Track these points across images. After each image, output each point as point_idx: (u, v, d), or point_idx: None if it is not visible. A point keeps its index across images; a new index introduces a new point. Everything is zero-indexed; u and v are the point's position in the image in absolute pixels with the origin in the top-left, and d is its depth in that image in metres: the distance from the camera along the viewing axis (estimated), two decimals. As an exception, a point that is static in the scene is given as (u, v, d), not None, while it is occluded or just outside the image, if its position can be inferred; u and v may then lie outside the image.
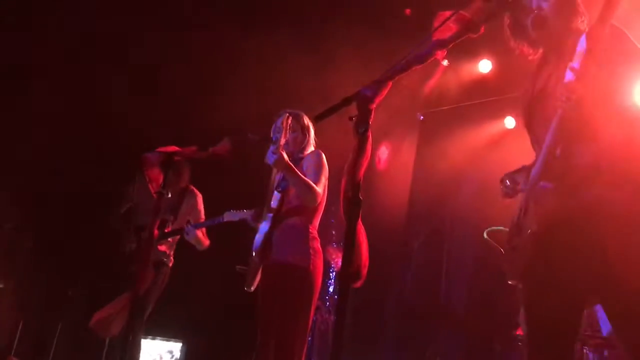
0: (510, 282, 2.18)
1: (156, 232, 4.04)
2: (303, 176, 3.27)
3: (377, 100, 1.80)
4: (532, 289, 2.09)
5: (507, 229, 2.30)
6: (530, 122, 2.23)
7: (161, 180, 3.29)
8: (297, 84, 5.05)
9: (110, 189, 5.05)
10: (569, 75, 1.99)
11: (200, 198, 4.81)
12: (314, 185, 3.26)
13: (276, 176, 3.53)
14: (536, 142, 2.19)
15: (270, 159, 3.19)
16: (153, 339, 5.61)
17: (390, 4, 5.42)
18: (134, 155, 3.34)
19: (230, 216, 4.10)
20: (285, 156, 3.20)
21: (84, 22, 5.01)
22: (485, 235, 2.66)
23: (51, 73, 5.13)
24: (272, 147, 3.19)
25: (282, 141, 3.24)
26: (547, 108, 2.11)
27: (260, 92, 5.26)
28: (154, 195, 3.22)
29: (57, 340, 5.24)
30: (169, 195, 3.21)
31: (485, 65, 6.04)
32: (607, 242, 1.90)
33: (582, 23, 2.19)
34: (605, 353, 4.01)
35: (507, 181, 2.33)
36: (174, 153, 3.31)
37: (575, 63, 1.98)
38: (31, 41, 5.04)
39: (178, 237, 4.65)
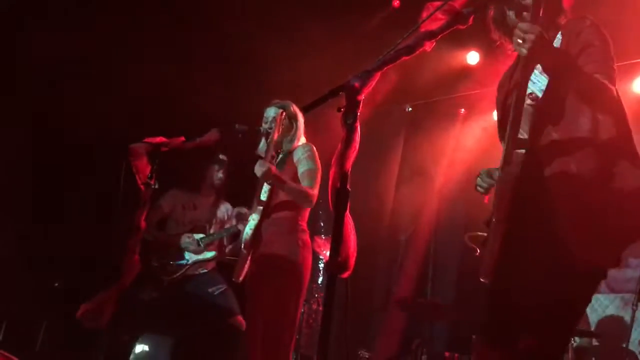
0: (482, 280, 2.10)
1: (143, 224, 4.01)
2: (293, 184, 3.27)
3: (365, 91, 1.78)
4: (499, 288, 2.07)
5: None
6: (503, 115, 2.20)
7: (148, 171, 3.27)
8: (282, 73, 5.02)
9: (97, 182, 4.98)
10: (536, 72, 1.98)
11: None
12: (306, 189, 3.27)
13: None
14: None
15: (258, 171, 3.20)
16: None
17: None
18: (121, 148, 3.30)
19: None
20: (274, 168, 3.21)
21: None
22: (466, 239, 2.67)
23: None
24: (259, 161, 3.21)
25: (275, 137, 3.27)
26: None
27: (249, 83, 5.21)
28: (141, 186, 3.20)
29: (44, 333, 5.19)
30: (157, 187, 3.19)
31: (473, 57, 6.03)
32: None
33: (564, 20, 2.16)
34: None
35: (484, 176, 2.27)
36: (161, 144, 3.30)
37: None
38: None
39: None
